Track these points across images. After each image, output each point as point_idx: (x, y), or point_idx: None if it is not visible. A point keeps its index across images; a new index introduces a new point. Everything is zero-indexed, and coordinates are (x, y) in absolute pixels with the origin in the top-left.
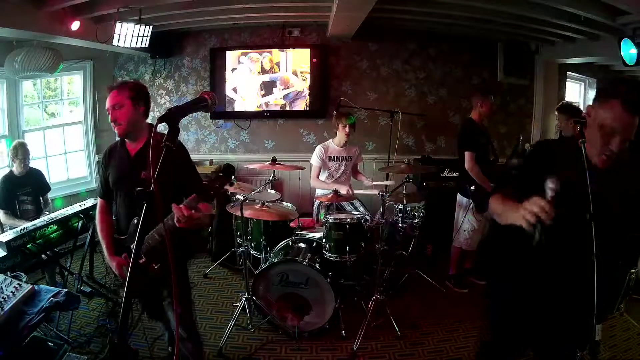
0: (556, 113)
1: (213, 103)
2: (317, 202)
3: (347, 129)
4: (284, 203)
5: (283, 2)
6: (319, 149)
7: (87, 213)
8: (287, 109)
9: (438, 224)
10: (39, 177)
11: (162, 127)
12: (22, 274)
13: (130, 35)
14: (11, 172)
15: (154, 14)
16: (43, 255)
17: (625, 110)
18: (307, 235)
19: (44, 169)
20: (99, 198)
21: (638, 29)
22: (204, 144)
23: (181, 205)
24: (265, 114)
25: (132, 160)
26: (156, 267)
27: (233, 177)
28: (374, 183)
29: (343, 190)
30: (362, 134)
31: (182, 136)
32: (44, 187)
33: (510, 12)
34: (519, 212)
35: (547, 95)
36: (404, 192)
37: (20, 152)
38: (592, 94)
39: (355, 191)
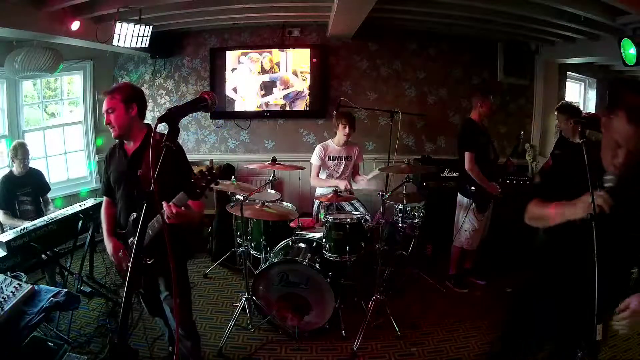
0: (556, 113)
1: (213, 103)
2: (317, 202)
3: (347, 129)
4: (284, 203)
5: (283, 2)
6: (318, 148)
7: (87, 213)
8: (287, 109)
9: (438, 224)
10: (38, 177)
11: (162, 127)
12: (22, 274)
13: (130, 35)
14: (11, 172)
15: (154, 14)
16: (43, 255)
17: (630, 122)
18: (307, 235)
19: (44, 169)
20: (104, 197)
21: (638, 29)
22: (204, 144)
23: (170, 203)
24: (265, 114)
25: (129, 160)
26: (149, 261)
27: (233, 177)
28: (367, 178)
29: (342, 185)
30: (362, 134)
31: (182, 136)
32: (44, 187)
33: (510, 12)
34: (577, 207)
35: (547, 95)
36: (404, 192)
37: (20, 152)
38: (592, 93)
39: (355, 187)
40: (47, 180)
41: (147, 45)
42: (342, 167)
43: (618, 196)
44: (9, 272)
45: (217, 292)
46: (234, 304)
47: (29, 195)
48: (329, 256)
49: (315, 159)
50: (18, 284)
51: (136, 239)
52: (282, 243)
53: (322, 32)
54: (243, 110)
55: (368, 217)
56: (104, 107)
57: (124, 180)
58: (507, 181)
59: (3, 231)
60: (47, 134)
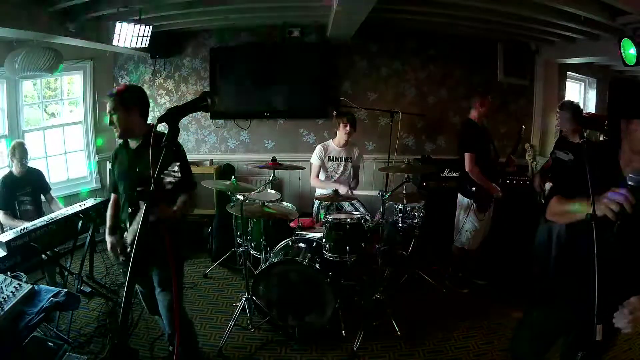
0: (558, 111)
1: (213, 103)
2: (316, 202)
3: (347, 128)
4: (284, 203)
5: (283, 2)
6: (318, 148)
7: (87, 213)
8: (287, 108)
9: (438, 224)
10: (38, 178)
11: (162, 127)
12: (22, 274)
13: (130, 35)
14: (11, 172)
15: (154, 14)
16: (43, 255)
17: None
18: (307, 235)
19: (44, 169)
20: (111, 194)
21: (638, 29)
22: (204, 144)
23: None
24: (266, 114)
25: (130, 158)
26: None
27: (233, 177)
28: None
29: (342, 189)
30: (362, 134)
31: (182, 136)
32: (44, 187)
33: (510, 12)
34: (601, 204)
35: (547, 95)
36: (404, 192)
37: (18, 151)
38: (592, 93)
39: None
40: (48, 180)
41: (147, 45)
42: (341, 168)
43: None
44: (9, 272)
45: (217, 292)
46: (234, 304)
47: (29, 196)
48: (329, 256)
49: (315, 159)
50: (18, 284)
51: (136, 239)
52: (282, 243)
53: (322, 32)
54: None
55: (368, 217)
56: (107, 108)
57: (126, 176)
58: (507, 181)
59: (3, 231)
60: (47, 134)
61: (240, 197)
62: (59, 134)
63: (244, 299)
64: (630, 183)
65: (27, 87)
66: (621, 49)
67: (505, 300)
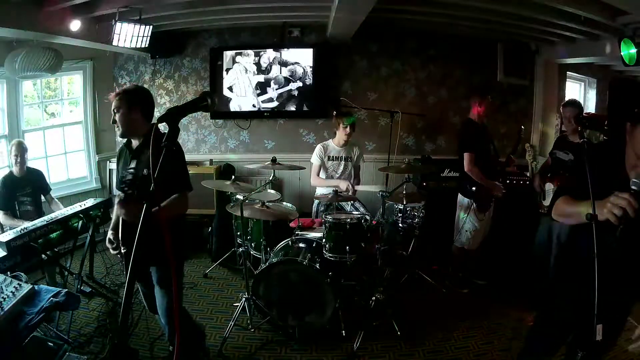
0: (561, 109)
1: (213, 103)
2: (316, 202)
3: (347, 129)
4: (284, 203)
5: (283, 2)
6: (318, 148)
7: (87, 213)
8: (287, 108)
9: (438, 224)
10: (39, 178)
11: (163, 127)
12: (22, 274)
13: (130, 35)
14: (10, 172)
15: (154, 14)
16: (43, 255)
17: None
18: (307, 235)
19: (44, 169)
20: (119, 191)
21: (638, 29)
22: (204, 144)
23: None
24: (265, 114)
25: (131, 156)
26: (123, 250)
27: (232, 176)
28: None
29: (343, 185)
30: (362, 134)
31: (182, 136)
32: (44, 187)
33: (510, 12)
34: (604, 207)
35: (547, 95)
36: (404, 192)
37: (15, 149)
38: (592, 93)
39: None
40: (48, 181)
41: (147, 45)
42: (341, 168)
43: None
44: (9, 272)
45: (217, 292)
46: (234, 304)
47: (29, 196)
48: (329, 256)
49: (315, 159)
50: (18, 284)
51: (136, 238)
52: (282, 243)
53: (322, 32)
54: (243, 110)
55: (368, 217)
56: (112, 107)
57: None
58: (507, 181)
59: (3, 231)
60: (47, 134)
61: (240, 197)
62: (59, 134)
63: (244, 299)
64: (633, 188)
65: (27, 87)
66: (621, 49)
67: (505, 300)
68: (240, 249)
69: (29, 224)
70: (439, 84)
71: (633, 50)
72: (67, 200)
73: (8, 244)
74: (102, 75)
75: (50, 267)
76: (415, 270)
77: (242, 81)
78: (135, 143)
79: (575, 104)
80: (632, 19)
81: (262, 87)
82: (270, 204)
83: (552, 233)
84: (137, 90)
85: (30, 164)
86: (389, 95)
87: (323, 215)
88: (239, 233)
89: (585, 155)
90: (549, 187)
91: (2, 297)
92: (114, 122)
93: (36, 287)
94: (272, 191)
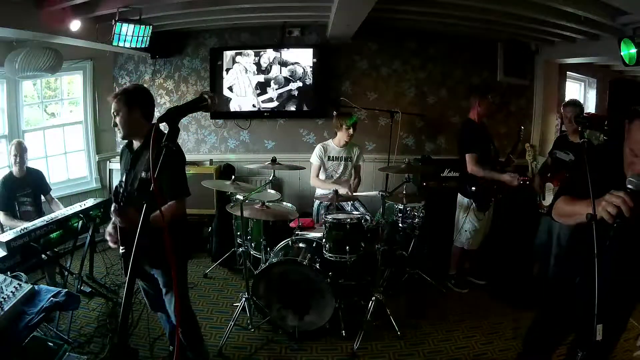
0: (562, 109)
1: (213, 103)
2: (316, 202)
3: (350, 130)
4: (284, 203)
5: (283, 2)
6: (318, 148)
7: (87, 213)
8: (287, 108)
9: (438, 224)
10: (39, 178)
11: (164, 127)
12: (22, 274)
13: (130, 35)
14: (10, 173)
15: (154, 14)
16: (43, 255)
17: None
18: (307, 235)
19: (44, 169)
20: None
21: (638, 29)
22: (204, 144)
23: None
24: (265, 114)
25: (131, 158)
26: (122, 249)
27: (232, 176)
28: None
29: (343, 190)
30: (362, 134)
31: (182, 136)
32: (44, 188)
33: (510, 12)
34: (598, 205)
35: (547, 95)
36: (404, 192)
37: (15, 149)
38: (592, 93)
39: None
40: (48, 181)
41: (147, 45)
42: (341, 168)
43: None
44: (9, 272)
45: (217, 292)
46: (234, 304)
47: (29, 197)
48: (329, 256)
49: (315, 159)
50: (18, 284)
51: (136, 238)
52: (282, 243)
53: (322, 32)
54: (242, 110)
55: (368, 217)
56: (112, 110)
57: (127, 174)
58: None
59: (3, 232)
60: (47, 134)
61: (240, 197)
62: (59, 134)
63: (244, 299)
64: (629, 187)
65: (27, 87)
66: (621, 49)
67: (505, 300)
68: (240, 249)
69: (29, 224)
70: (439, 84)
71: (633, 50)
72: (67, 200)
73: (8, 244)
74: (102, 75)
75: (50, 267)
76: (415, 270)
77: (242, 81)
78: (136, 144)
79: (575, 104)
80: (632, 19)
81: (262, 87)
82: (270, 204)
83: (552, 233)
84: (135, 90)
85: (30, 164)
86: (389, 95)
87: (323, 216)
88: (239, 233)
89: (585, 156)
90: (549, 187)
91: (2, 297)
92: (115, 125)
93: (36, 287)
94: (272, 191)
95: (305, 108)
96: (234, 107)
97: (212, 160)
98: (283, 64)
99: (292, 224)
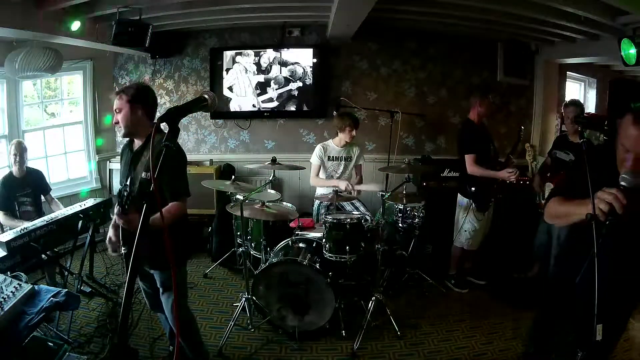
0: (563, 109)
1: (213, 103)
2: (317, 202)
3: (353, 131)
4: (284, 203)
5: (283, 2)
6: (318, 148)
7: (87, 213)
8: (287, 108)
9: (438, 224)
10: (39, 178)
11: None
12: (22, 274)
13: (130, 35)
14: (10, 173)
15: (154, 14)
16: (43, 255)
17: (636, 126)
18: (307, 235)
19: (44, 169)
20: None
21: (638, 29)
22: (204, 144)
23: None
24: (266, 114)
25: (131, 158)
26: (124, 250)
27: (232, 176)
28: (364, 187)
29: (342, 185)
30: (362, 134)
31: (182, 136)
32: (44, 188)
33: (510, 12)
34: (591, 204)
35: (547, 95)
36: (404, 192)
37: (14, 149)
38: (592, 93)
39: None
40: (48, 181)
41: (147, 45)
42: (341, 168)
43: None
44: (9, 272)
45: (217, 292)
46: (234, 304)
47: (29, 197)
48: (329, 256)
49: (315, 159)
50: (18, 284)
51: (136, 238)
52: (282, 243)
53: (322, 32)
54: (243, 110)
55: (368, 217)
56: (114, 107)
57: (125, 173)
58: (507, 181)
59: (3, 231)
60: (47, 134)
61: (240, 197)
62: (59, 134)
63: (244, 299)
64: (622, 184)
65: (27, 87)
66: (621, 49)
67: (505, 300)
68: (240, 249)
69: (29, 224)
70: (439, 84)
71: (633, 50)
72: (67, 200)
73: (8, 244)
74: (102, 75)
75: (50, 267)
76: (415, 270)
77: (242, 81)
78: (137, 143)
79: (576, 104)
80: (632, 19)
81: (262, 87)
82: (270, 204)
83: (552, 233)
84: (138, 89)
85: (30, 164)
86: (389, 95)
87: (324, 217)
88: (239, 233)
89: (584, 156)
90: (549, 187)
91: (2, 297)
92: (117, 122)
93: (36, 287)
94: (272, 191)
95: (305, 108)
96: (234, 107)
97: (212, 160)
98: (283, 64)
99: (292, 224)
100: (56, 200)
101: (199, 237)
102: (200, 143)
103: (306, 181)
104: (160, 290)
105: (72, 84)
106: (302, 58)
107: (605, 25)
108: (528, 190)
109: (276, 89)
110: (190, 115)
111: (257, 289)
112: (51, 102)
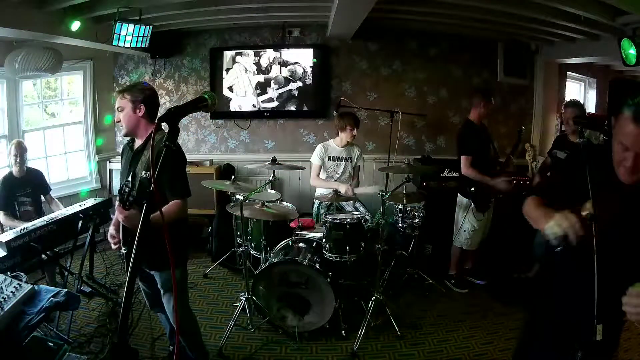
0: (563, 110)
1: (213, 103)
2: (316, 202)
3: (354, 131)
4: (284, 203)
5: (283, 2)
6: (319, 148)
7: (87, 213)
8: (287, 108)
9: (438, 224)
10: (39, 178)
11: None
12: (22, 274)
13: (130, 35)
14: (10, 173)
15: (154, 14)
16: (43, 255)
17: (635, 123)
18: (307, 235)
19: (44, 169)
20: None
21: (638, 29)
22: (204, 144)
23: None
24: (266, 114)
25: (131, 157)
26: (124, 250)
27: (232, 176)
28: (364, 190)
29: (343, 188)
30: (362, 134)
31: (182, 136)
32: (44, 188)
33: (510, 12)
34: (550, 222)
35: (547, 95)
36: (404, 192)
37: (14, 149)
38: (592, 93)
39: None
40: (48, 181)
41: (147, 45)
42: (341, 168)
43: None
44: (9, 272)
45: (217, 292)
46: (234, 304)
47: (29, 196)
48: (329, 256)
49: (315, 159)
50: (18, 284)
51: (136, 239)
52: (282, 243)
53: (322, 32)
54: (243, 110)
55: (368, 217)
56: (116, 105)
57: (125, 173)
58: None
59: (3, 232)
60: (47, 134)
61: (240, 197)
62: (59, 134)
63: (244, 299)
64: (584, 212)
65: (27, 87)
66: (621, 49)
67: (505, 300)
68: (240, 249)
69: (29, 224)
70: (439, 84)
71: (633, 51)
72: (67, 200)
73: (8, 244)
74: (102, 75)
75: (50, 267)
76: (415, 270)
77: (242, 81)
78: (138, 142)
79: (577, 105)
80: (632, 19)
81: (262, 87)
82: (270, 204)
83: None
84: (141, 88)
85: (30, 164)
86: (389, 95)
87: (324, 217)
88: (239, 233)
89: (583, 156)
90: None
91: (2, 297)
92: (118, 121)
93: (36, 287)
94: (272, 191)
95: (305, 108)
96: (234, 107)
97: (212, 160)
98: (283, 64)
99: (292, 224)
100: (56, 200)
101: (199, 237)
102: (200, 143)
103: (306, 181)
104: (162, 291)
105: (72, 84)
106: (302, 58)
107: (605, 25)
108: (528, 190)
109: (276, 89)
110: (190, 115)
111: (257, 289)
112: (51, 102)
